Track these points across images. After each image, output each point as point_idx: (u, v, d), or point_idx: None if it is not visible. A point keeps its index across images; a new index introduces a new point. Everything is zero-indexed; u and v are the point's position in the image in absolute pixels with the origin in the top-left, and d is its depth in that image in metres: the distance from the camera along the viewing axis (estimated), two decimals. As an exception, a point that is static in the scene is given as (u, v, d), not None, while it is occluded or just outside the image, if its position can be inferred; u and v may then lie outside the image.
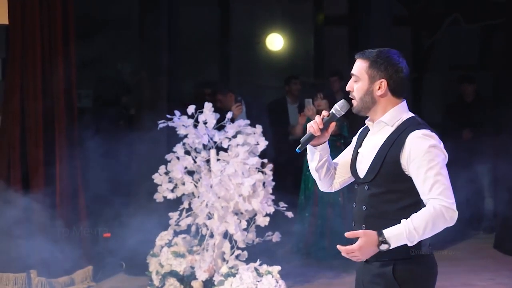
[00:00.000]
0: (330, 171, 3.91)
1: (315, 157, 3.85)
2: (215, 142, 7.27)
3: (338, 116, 3.74)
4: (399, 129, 3.63)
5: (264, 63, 12.89)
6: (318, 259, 9.09)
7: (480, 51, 12.40)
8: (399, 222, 3.50)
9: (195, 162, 7.31)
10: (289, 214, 7.30)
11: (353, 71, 3.70)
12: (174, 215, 7.43)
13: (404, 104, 3.71)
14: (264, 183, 7.24)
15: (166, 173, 7.34)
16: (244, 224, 7.08)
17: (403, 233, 3.46)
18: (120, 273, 8.42)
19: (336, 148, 9.27)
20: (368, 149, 3.73)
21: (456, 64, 12.10)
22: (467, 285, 8.09)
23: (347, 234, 3.53)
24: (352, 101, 3.71)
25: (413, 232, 3.45)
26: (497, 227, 9.80)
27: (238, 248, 7.14)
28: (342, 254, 3.56)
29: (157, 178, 7.37)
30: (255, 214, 7.23)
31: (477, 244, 10.03)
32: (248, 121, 7.31)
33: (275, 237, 7.26)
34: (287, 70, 12.17)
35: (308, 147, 3.81)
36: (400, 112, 3.69)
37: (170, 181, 7.36)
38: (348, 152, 3.93)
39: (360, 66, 3.68)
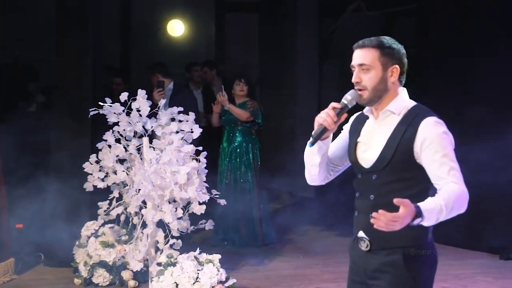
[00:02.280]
0: (328, 164, 3.86)
1: (321, 151, 3.77)
2: (146, 130, 7.14)
3: (350, 107, 3.65)
4: (408, 117, 3.60)
5: (166, 49, 12.74)
6: (235, 246, 9.13)
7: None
8: None
9: (126, 150, 7.16)
10: (222, 202, 7.28)
11: (362, 61, 3.62)
12: (103, 204, 7.29)
13: (405, 91, 3.70)
14: (197, 171, 7.17)
15: (97, 161, 7.16)
16: (180, 212, 6.99)
17: (435, 208, 3.36)
18: (40, 264, 8.19)
19: (251, 135, 9.32)
20: (373, 138, 3.67)
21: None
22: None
23: (396, 201, 3.25)
24: (361, 92, 3.62)
25: (443, 209, 3.37)
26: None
27: (172, 237, 7.06)
28: (378, 219, 3.23)
29: (87, 167, 7.17)
30: (189, 202, 7.16)
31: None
32: (181, 108, 7.21)
33: (208, 225, 7.21)
34: (189, 56, 12.10)
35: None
36: (405, 100, 3.67)
37: (101, 170, 7.19)
38: (340, 142, 3.87)
39: (371, 55, 3.61)
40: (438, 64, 9.38)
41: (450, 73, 9.17)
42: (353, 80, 3.64)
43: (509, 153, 8.38)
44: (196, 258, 6.84)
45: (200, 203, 7.04)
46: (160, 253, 7.01)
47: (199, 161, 7.19)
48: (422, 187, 3.56)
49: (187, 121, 7.20)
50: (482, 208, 8.00)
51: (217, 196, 7.24)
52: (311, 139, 3.65)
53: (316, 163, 3.79)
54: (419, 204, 3.32)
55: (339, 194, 10.43)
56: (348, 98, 3.64)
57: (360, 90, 3.63)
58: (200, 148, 7.24)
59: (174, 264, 6.74)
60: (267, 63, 9.48)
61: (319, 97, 10.93)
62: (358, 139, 3.75)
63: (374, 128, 3.70)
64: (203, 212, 7.06)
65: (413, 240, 3.57)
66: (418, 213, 3.30)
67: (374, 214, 3.24)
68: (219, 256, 6.89)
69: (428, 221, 3.36)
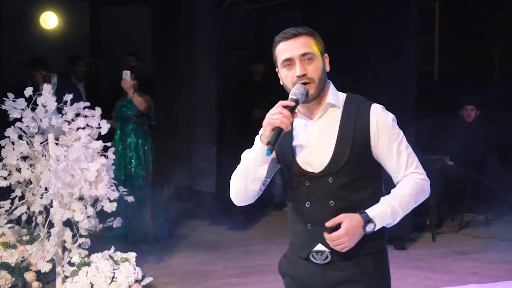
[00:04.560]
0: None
1: (267, 161, 3.31)
2: (52, 126, 6.89)
3: (300, 102, 3.21)
4: (350, 109, 3.31)
5: (39, 42, 12.31)
6: (127, 243, 8.98)
7: (255, 32, 12.80)
8: None
9: (30, 147, 6.89)
10: (129, 199, 7.15)
11: (304, 50, 3.24)
12: (5, 204, 6.97)
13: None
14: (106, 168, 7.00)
15: (0, 159, 6.84)
16: (90, 210, 6.80)
17: (387, 210, 3.22)
18: None
19: (143, 131, 9.19)
20: (315, 138, 3.31)
21: (235, 44, 12.38)
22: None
23: (328, 224, 3.17)
24: (308, 85, 3.23)
25: (397, 209, 3.22)
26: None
27: (81, 236, 6.85)
28: (329, 243, 3.19)
29: (-11, 165, 6.85)
30: (97, 200, 6.97)
31: (278, 221, 10.44)
32: (87, 103, 7.00)
33: (116, 222, 7.06)
34: (63, 50, 11.79)
35: (262, 148, 3.20)
36: (336, 90, 3.38)
37: (3, 168, 6.88)
38: None
39: (309, 43, 3.26)
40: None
41: (340, 66, 9.29)
42: (299, 73, 3.22)
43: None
44: (111, 257, 6.66)
45: (110, 201, 6.89)
46: (69, 253, 6.79)
47: (107, 157, 7.03)
48: (378, 182, 3.35)
49: (93, 116, 7.02)
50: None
51: (125, 193, 7.11)
52: (268, 146, 3.13)
53: (262, 176, 3.32)
54: (367, 210, 3.20)
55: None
56: (297, 92, 3.19)
57: (306, 83, 3.23)
58: (109, 144, 7.08)
59: (88, 264, 6.55)
60: (159, 56, 9.34)
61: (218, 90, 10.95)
62: (294, 143, 3.35)
63: (313, 128, 3.33)
64: (114, 209, 6.91)
65: (378, 244, 3.34)
66: (367, 220, 3.18)
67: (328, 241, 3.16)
68: (134, 254, 6.76)
69: (383, 224, 3.23)
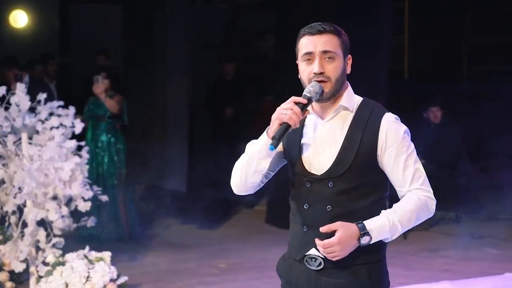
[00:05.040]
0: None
1: (271, 156, 3.25)
2: (26, 125, 6.86)
3: (314, 100, 3.16)
4: (362, 114, 3.22)
5: (8, 41, 12.21)
6: (100, 242, 8.94)
7: (226, 31, 12.80)
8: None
9: (3, 146, 6.85)
10: (103, 198, 7.16)
11: (327, 47, 3.17)
12: (-22, 204, 6.94)
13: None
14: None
15: (-27, 159, 6.80)
16: (65, 210, 6.77)
17: (386, 224, 3.11)
18: None
19: (115, 130, 9.16)
20: (323, 139, 3.23)
21: (206, 43, 12.37)
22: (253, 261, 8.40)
23: (322, 229, 3.10)
24: (324, 84, 3.16)
25: (396, 225, 3.12)
26: (268, 202, 10.24)
27: (55, 235, 6.82)
28: (319, 249, 3.12)
29: (-38, 165, 6.80)
30: (71, 199, 6.95)
31: (249, 220, 10.46)
32: (61, 103, 6.98)
33: (90, 221, 7.05)
34: (32, 48, 11.71)
35: (267, 142, 3.15)
36: (352, 93, 3.28)
37: (-23, 168, 6.84)
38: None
39: (334, 41, 3.19)
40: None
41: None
42: (316, 70, 3.16)
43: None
44: (86, 256, 6.65)
45: (84, 200, 6.87)
46: (43, 253, 6.77)
47: (81, 157, 7.01)
48: (382, 192, 3.25)
49: (67, 115, 6.99)
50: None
51: (99, 192, 7.11)
52: (272, 140, 3.08)
53: (264, 169, 3.25)
54: (365, 222, 3.10)
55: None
56: (311, 90, 3.14)
57: (322, 81, 3.16)
58: (82, 143, 7.07)
59: (63, 264, 6.53)
60: (130, 55, 9.33)
61: (191, 92, 10.96)
62: (302, 141, 3.28)
63: (323, 128, 3.25)
64: (88, 209, 6.89)
65: (375, 255, 3.23)
66: (363, 232, 3.08)
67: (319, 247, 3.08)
68: (109, 253, 6.76)
69: (379, 238, 3.13)
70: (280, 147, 3.30)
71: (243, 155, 3.32)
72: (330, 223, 3.12)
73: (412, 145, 3.22)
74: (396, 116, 3.24)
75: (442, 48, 13.10)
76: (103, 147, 9.08)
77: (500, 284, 6.89)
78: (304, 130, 3.28)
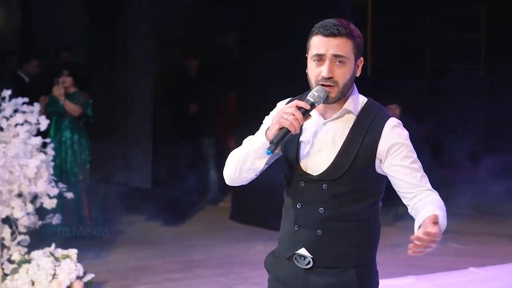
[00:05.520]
0: None
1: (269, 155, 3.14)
2: (-11, 123, 6.80)
3: (317, 105, 3.08)
4: (365, 117, 3.15)
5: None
6: (65, 240, 8.87)
7: (189, 27, 12.74)
8: (362, 224, 3.17)
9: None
10: (69, 195, 7.12)
11: (339, 51, 3.07)
12: None
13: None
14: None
15: None
16: (30, 207, 6.72)
17: (442, 222, 2.95)
18: None
19: (78, 127, 9.10)
20: (322, 140, 3.16)
21: (169, 39, 12.30)
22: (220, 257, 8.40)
23: (429, 220, 2.85)
24: (331, 89, 3.08)
25: (444, 223, 2.98)
26: (233, 199, 10.25)
27: (20, 233, 6.77)
28: (418, 244, 2.82)
29: None
30: (36, 197, 6.90)
31: (214, 216, 10.47)
32: (26, 99, 6.92)
33: (55, 219, 7.01)
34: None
35: (265, 144, 3.08)
36: (358, 95, 3.21)
37: None
38: None
39: (346, 45, 3.09)
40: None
41: (274, 61, 9.27)
42: (325, 74, 3.07)
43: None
44: (52, 253, 6.60)
45: (50, 197, 6.83)
46: (8, 251, 6.71)
47: (46, 154, 6.96)
48: (376, 197, 3.21)
49: (32, 112, 6.94)
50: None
51: (65, 189, 7.07)
52: (269, 144, 3.03)
53: (258, 168, 3.18)
54: (434, 212, 2.93)
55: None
56: (315, 95, 3.07)
57: (329, 86, 3.08)
58: (48, 140, 7.02)
59: (29, 261, 6.48)
60: (94, 51, 9.28)
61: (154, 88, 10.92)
62: (301, 139, 3.21)
63: (323, 128, 3.18)
64: (54, 206, 6.85)
65: (365, 258, 3.20)
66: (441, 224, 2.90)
67: (414, 240, 2.79)
68: (75, 250, 6.72)
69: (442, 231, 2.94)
70: None
71: (238, 149, 3.24)
72: (321, 226, 3.11)
73: (414, 151, 3.16)
74: (399, 121, 3.18)
75: (404, 45, 13.21)
76: (66, 144, 9.01)
77: (465, 278, 6.97)
78: (304, 127, 3.18)
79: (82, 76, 9.20)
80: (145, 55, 8.83)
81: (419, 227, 2.91)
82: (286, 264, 3.24)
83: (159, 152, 11.07)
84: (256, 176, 3.26)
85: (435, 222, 2.79)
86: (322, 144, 3.15)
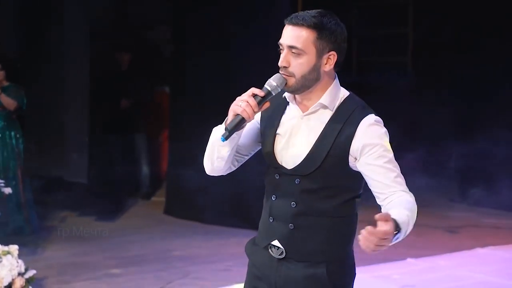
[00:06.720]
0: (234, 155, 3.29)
1: (232, 143, 3.15)
2: None
3: (273, 94, 3.08)
4: (342, 113, 3.11)
5: None
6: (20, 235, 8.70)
7: (121, 21, 12.59)
8: (336, 221, 3.14)
9: None
10: (7, 190, 7.03)
11: (293, 43, 3.04)
12: None
13: (337, 79, 3.19)
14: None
15: None
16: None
17: (406, 222, 2.87)
18: None
19: (12, 120, 8.93)
20: (298, 133, 3.16)
21: (101, 32, 12.14)
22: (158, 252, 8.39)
23: (378, 216, 2.74)
24: (287, 77, 3.07)
25: (410, 223, 2.90)
26: (167, 193, 10.22)
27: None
28: (367, 239, 2.72)
29: None
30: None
31: (147, 210, 10.43)
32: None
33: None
34: None
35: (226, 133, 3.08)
36: (337, 90, 3.16)
37: None
38: (251, 130, 3.27)
39: (305, 37, 3.03)
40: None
41: (219, 60, 9.20)
42: (280, 63, 3.08)
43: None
44: (-9, 250, 6.50)
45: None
46: None
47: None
48: (350, 194, 3.17)
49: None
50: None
51: (3, 184, 6.98)
52: (224, 131, 3.05)
53: (224, 156, 3.19)
54: (394, 216, 2.83)
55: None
56: (272, 84, 3.07)
57: (286, 75, 3.08)
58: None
59: (-33, 259, 6.36)
60: (27, 44, 9.10)
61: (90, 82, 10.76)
62: (278, 131, 3.20)
63: (300, 122, 3.17)
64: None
65: (337, 254, 3.17)
66: (397, 228, 2.82)
67: (363, 233, 2.71)
68: (16, 246, 6.62)
69: (402, 237, 2.89)
70: (258, 131, 3.27)
71: (210, 138, 3.26)
72: (293, 220, 3.12)
73: (391, 150, 3.10)
74: (378, 119, 3.12)
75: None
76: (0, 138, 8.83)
77: (404, 269, 7.12)
78: (283, 120, 3.20)
79: (15, 70, 9.02)
80: (78, 48, 8.70)
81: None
82: (262, 253, 3.27)
83: (94, 147, 10.96)
84: (234, 167, 3.31)
85: (387, 220, 2.73)
86: (298, 138, 3.15)
